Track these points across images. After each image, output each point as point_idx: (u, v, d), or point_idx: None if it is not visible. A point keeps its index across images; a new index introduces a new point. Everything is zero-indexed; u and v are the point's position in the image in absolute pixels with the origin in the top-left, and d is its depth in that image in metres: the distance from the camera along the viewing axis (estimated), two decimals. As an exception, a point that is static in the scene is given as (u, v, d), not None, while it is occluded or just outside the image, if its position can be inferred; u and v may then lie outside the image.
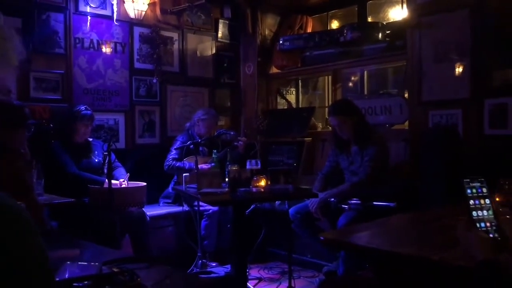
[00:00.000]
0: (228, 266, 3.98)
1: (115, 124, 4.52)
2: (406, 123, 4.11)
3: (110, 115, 4.48)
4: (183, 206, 4.15)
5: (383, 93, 4.66)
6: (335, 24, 5.41)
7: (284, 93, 5.60)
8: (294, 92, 5.65)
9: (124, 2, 4.47)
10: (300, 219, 3.69)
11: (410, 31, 3.93)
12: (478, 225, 1.36)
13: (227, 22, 5.38)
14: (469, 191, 1.40)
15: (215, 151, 3.91)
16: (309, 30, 5.29)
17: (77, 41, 4.24)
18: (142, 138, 4.72)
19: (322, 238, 1.75)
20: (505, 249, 1.28)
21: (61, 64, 4.13)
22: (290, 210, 3.74)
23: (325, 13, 5.41)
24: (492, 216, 1.36)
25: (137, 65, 4.66)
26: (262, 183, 3.11)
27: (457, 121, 3.61)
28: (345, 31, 4.57)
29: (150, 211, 4.03)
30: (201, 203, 3.95)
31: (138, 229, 3.69)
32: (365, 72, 4.94)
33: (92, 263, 1.17)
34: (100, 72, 4.40)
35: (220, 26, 5.33)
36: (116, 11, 4.42)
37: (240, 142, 4.33)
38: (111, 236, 3.34)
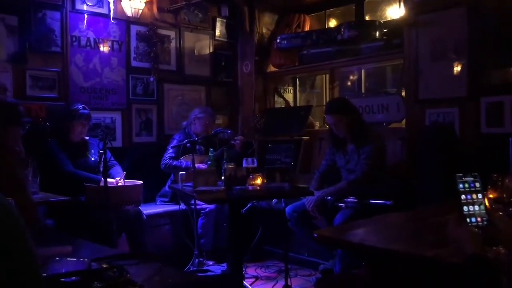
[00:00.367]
0: (225, 264, 3.98)
1: (112, 123, 4.51)
2: (404, 121, 4.11)
3: (107, 114, 4.47)
4: (180, 204, 4.14)
5: (381, 92, 4.66)
6: (332, 23, 5.40)
7: (281, 91, 5.59)
8: (291, 91, 5.65)
9: (121, 0, 4.46)
10: (297, 218, 3.68)
11: (407, 30, 3.92)
12: (468, 220, 1.36)
13: (225, 20, 5.38)
14: (461, 185, 1.40)
15: (211, 149, 3.90)
16: (306, 28, 5.29)
17: (74, 39, 4.23)
18: (139, 136, 4.71)
19: (315, 235, 1.75)
20: (495, 244, 1.28)
21: (57, 62, 4.12)
22: (287, 209, 3.73)
23: (322, 12, 5.40)
24: (484, 211, 1.36)
25: (134, 63, 4.65)
26: (258, 181, 3.10)
27: (454, 120, 3.60)
28: (343, 29, 4.56)
29: (147, 209, 4.03)
30: (198, 202, 3.95)
31: (135, 228, 3.69)
32: (363, 71, 4.93)
33: (81, 259, 1.17)
34: (97, 71, 4.40)
35: (218, 25, 5.32)
36: (113, 9, 4.41)
37: (237, 140, 4.32)
38: (107, 234, 3.34)
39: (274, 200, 4.21)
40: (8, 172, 1.97)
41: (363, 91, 4.92)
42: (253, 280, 3.94)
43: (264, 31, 5.39)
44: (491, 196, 1.56)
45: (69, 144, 3.76)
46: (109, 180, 3.47)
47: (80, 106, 3.80)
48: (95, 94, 4.38)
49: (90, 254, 1.52)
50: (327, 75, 5.13)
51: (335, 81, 5.01)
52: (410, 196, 3.37)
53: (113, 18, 4.44)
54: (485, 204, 1.46)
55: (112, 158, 3.92)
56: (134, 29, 4.65)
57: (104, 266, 1.13)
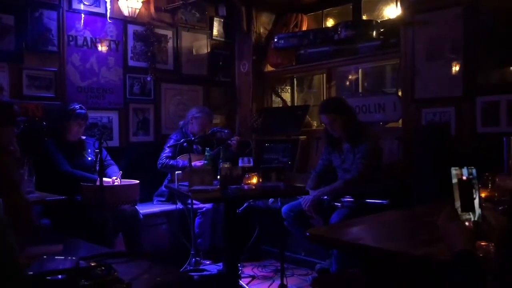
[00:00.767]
0: (222, 264, 3.98)
1: (109, 122, 4.51)
2: (400, 121, 4.11)
3: (103, 113, 4.47)
4: (176, 204, 4.14)
5: (378, 91, 4.66)
6: (330, 22, 5.41)
7: (279, 91, 5.59)
8: (289, 90, 5.65)
9: (117, 0, 4.46)
10: (293, 217, 3.68)
11: (404, 29, 3.92)
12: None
13: (222, 20, 5.38)
14: (455, 180, 1.41)
15: (207, 149, 3.90)
16: (304, 28, 5.28)
17: (71, 38, 4.23)
18: (136, 136, 4.71)
19: (307, 234, 1.75)
20: (487, 240, 1.29)
21: (54, 62, 4.12)
22: (283, 208, 3.74)
23: (320, 11, 5.41)
24: (477, 206, 1.37)
25: (131, 63, 4.65)
26: (254, 180, 3.10)
27: (450, 119, 3.61)
28: (340, 29, 4.56)
29: (144, 209, 4.03)
30: (195, 201, 3.95)
31: (131, 227, 3.69)
32: (360, 70, 4.93)
33: (69, 257, 1.17)
34: (94, 70, 4.40)
35: (215, 24, 5.32)
36: (110, 9, 4.40)
37: (233, 141, 4.32)
38: (104, 234, 3.34)
39: (270, 200, 4.21)
40: (2, 171, 1.97)
41: (360, 90, 4.92)
42: (249, 279, 3.94)
43: (261, 30, 5.40)
44: (482, 195, 1.56)
45: (65, 144, 3.76)
46: (105, 179, 3.47)
47: (77, 106, 3.80)
48: (92, 93, 4.38)
49: (81, 253, 1.52)
50: (325, 75, 5.13)
51: (332, 81, 5.02)
52: (406, 195, 3.37)
53: (110, 18, 4.44)
54: (479, 199, 1.47)
55: (109, 158, 3.92)
56: (131, 28, 4.65)
57: (92, 264, 1.14)
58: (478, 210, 1.46)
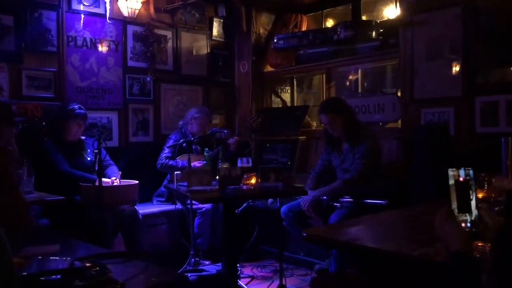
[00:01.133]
0: (221, 264, 3.98)
1: (109, 123, 4.51)
2: (400, 121, 4.11)
3: (103, 114, 4.48)
4: (176, 204, 4.15)
5: (377, 92, 4.66)
6: (330, 23, 5.41)
7: (279, 91, 5.59)
8: (289, 91, 5.65)
9: (117, 0, 4.46)
10: (293, 217, 3.69)
11: (403, 29, 3.92)
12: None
13: (222, 20, 5.38)
14: (452, 181, 1.41)
15: (207, 149, 3.90)
16: (303, 28, 5.29)
17: (70, 39, 4.24)
18: (136, 136, 4.71)
19: (304, 234, 1.75)
20: (483, 239, 1.29)
21: (53, 62, 4.13)
22: (282, 208, 3.74)
23: (319, 12, 5.41)
24: (474, 207, 1.37)
25: (130, 63, 4.66)
26: (253, 181, 3.10)
27: (449, 119, 3.61)
28: (339, 29, 4.56)
29: (143, 209, 4.03)
30: (194, 202, 3.95)
31: (131, 227, 3.69)
32: (360, 71, 4.93)
33: (64, 258, 1.17)
34: (93, 70, 4.40)
35: (215, 25, 5.32)
36: (109, 9, 4.41)
37: (231, 140, 4.32)
38: (103, 234, 3.34)
39: (270, 200, 4.22)
40: (1, 171, 1.97)
41: (360, 91, 4.92)
42: (249, 279, 3.94)
43: (261, 31, 5.40)
44: (479, 195, 1.56)
45: (65, 144, 3.76)
46: (104, 179, 3.48)
47: (76, 106, 3.80)
48: (91, 94, 4.38)
49: (78, 253, 1.53)
50: (324, 75, 5.14)
51: (332, 81, 5.02)
52: (405, 195, 3.37)
53: (109, 18, 4.44)
54: (476, 200, 1.47)
55: (108, 158, 3.92)
56: (130, 29, 4.65)
57: (87, 264, 1.14)
58: (474, 211, 1.46)
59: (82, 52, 4.32)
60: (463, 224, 1.44)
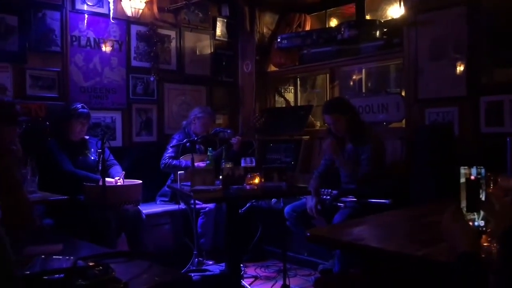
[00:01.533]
0: (224, 264, 3.97)
1: (112, 122, 4.52)
2: (404, 121, 4.09)
3: (107, 113, 4.48)
4: (179, 204, 4.14)
5: (381, 91, 4.64)
6: (333, 22, 5.40)
7: (282, 91, 5.58)
8: (292, 91, 5.64)
9: (121, 0, 4.46)
10: (296, 217, 3.68)
11: (407, 29, 3.91)
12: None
13: (225, 20, 5.38)
14: (463, 179, 1.40)
15: (210, 149, 3.90)
16: (307, 28, 5.28)
17: (74, 39, 4.24)
18: (139, 136, 4.72)
19: (308, 234, 1.74)
20: (489, 241, 1.28)
21: (57, 62, 4.13)
22: (286, 208, 3.73)
23: (323, 11, 5.40)
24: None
25: (134, 63, 4.66)
26: (256, 180, 3.10)
27: (453, 119, 3.59)
28: (343, 29, 4.55)
29: (147, 209, 4.03)
30: (197, 201, 3.95)
31: (134, 227, 3.68)
32: (363, 70, 4.92)
33: (67, 257, 1.17)
34: (97, 70, 4.41)
35: (218, 24, 5.32)
36: (113, 9, 4.42)
37: (234, 140, 4.32)
38: (106, 234, 3.34)
39: (273, 200, 4.21)
40: (4, 171, 1.97)
41: (363, 90, 4.90)
42: (252, 279, 3.93)
43: (264, 30, 5.39)
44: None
45: (68, 143, 3.77)
46: (108, 179, 3.48)
47: (79, 105, 3.81)
48: (95, 93, 4.38)
49: (81, 252, 1.52)
50: (328, 75, 5.12)
51: (336, 81, 5.00)
52: (409, 195, 3.36)
53: (113, 18, 4.45)
54: (487, 199, 1.46)
55: (112, 157, 3.92)
56: (134, 29, 4.66)
57: (90, 264, 1.14)
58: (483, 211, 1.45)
59: (85, 52, 4.33)
60: (470, 223, 1.43)
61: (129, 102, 4.62)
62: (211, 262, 4.13)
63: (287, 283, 3.48)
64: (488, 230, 1.44)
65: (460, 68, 3.58)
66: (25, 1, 3.94)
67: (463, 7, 3.55)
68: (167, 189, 4.39)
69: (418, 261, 1.40)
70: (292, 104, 5.56)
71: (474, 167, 1.44)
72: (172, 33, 4.96)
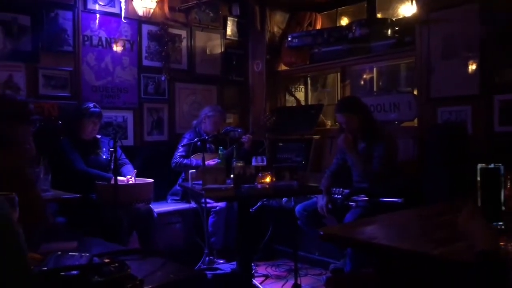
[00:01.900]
0: (235, 263, 3.97)
1: (124, 122, 4.54)
2: (416, 120, 4.06)
3: (118, 113, 4.50)
4: (190, 203, 4.15)
5: (393, 90, 4.62)
6: (344, 21, 5.38)
7: (293, 90, 5.57)
8: (303, 90, 5.63)
9: (132, 0, 4.49)
10: (307, 217, 3.67)
11: (419, 27, 3.88)
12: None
13: (236, 19, 5.38)
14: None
15: (221, 148, 3.90)
16: (318, 27, 5.27)
17: (86, 38, 4.27)
18: (151, 135, 4.74)
19: (321, 232, 1.74)
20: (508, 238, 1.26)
21: (69, 62, 4.16)
22: (297, 208, 3.73)
23: (334, 10, 5.38)
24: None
25: (145, 62, 4.68)
26: (267, 179, 3.09)
27: (466, 118, 3.55)
28: (354, 27, 4.53)
29: (158, 208, 4.04)
30: (208, 200, 3.96)
31: (145, 226, 3.70)
32: (375, 69, 4.89)
33: (83, 254, 1.17)
34: (109, 70, 4.43)
35: (229, 24, 5.33)
36: (125, 9, 4.44)
37: (245, 138, 4.32)
38: (118, 232, 3.36)
39: (284, 199, 4.20)
40: (17, 169, 1.99)
41: (375, 89, 4.88)
42: (263, 278, 3.93)
43: (275, 29, 5.39)
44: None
45: (80, 142, 3.79)
46: (120, 178, 3.50)
47: (91, 105, 3.83)
48: (107, 93, 4.41)
49: (96, 250, 1.53)
50: (339, 74, 5.11)
51: (347, 80, 4.98)
52: (421, 194, 3.33)
53: (124, 18, 4.47)
54: (505, 197, 1.44)
55: (123, 156, 3.94)
56: (145, 28, 4.67)
57: (106, 261, 1.14)
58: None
59: (97, 52, 4.35)
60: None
61: (140, 102, 4.64)
62: (222, 261, 4.14)
63: (299, 282, 3.47)
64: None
65: (473, 66, 3.54)
66: (38, 1, 3.97)
67: (476, 5, 3.51)
68: (178, 188, 4.41)
69: (434, 260, 1.38)
70: (303, 103, 5.55)
71: (492, 164, 1.43)
72: (183, 33, 4.97)
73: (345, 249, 3.51)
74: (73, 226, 3.33)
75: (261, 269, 4.15)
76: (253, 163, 3.35)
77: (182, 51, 4.96)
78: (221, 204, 4.13)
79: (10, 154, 1.93)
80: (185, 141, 4.33)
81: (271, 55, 5.33)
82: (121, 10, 4.43)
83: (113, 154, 3.27)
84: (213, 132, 4.39)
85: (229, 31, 5.33)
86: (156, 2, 4.57)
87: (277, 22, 5.41)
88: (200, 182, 3.27)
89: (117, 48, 4.48)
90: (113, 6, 4.43)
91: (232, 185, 3.12)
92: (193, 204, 4.15)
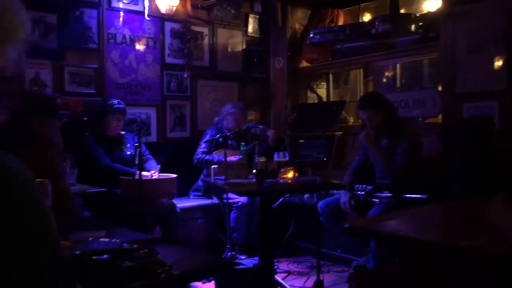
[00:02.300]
0: (257, 258, 3.98)
1: (147, 118, 4.59)
2: (440, 116, 4.01)
3: (142, 109, 4.56)
4: (212, 198, 4.18)
5: (416, 86, 4.56)
6: (367, 17, 5.33)
7: (314, 87, 5.55)
8: (324, 86, 5.60)
9: (155, -3, 4.54)
10: (330, 213, 3.66)
11: (443, 22, 3.82)
12: None
13: (257, 16, 5.38)
14: None
15: (243, 143, 3.92)
16: (340, 23, 5.24)
17: (110, 36, 4.34)
18: (173, 132, 4.78)
19: (346, 225, 1.73)
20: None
21: (94, 59, 4.23)
22: (319, 204, 3.71)
23: (356, 6, 5.34)
24: None
25: (168, 60, 4.72)
26: (290, 175, 3.09)
27: (493, 114, 3.49)
28: (377, 23, 4.49)
29: (181, 203, 4.08)
30: (230, 196, 3.98)
31: (168, 220, 3.74)
32: (398, 65, 4.84)
33: (114, 240, 1.20)
34: (132, 67, 4.49)
35: (250, 21, 5.33)
36: (148, 7, 4.48)
37: (269, 132, 4.33)
38: (142, 227, 3.40)
39: (306, 195, 4.19)
40: (47, 161, 2.03)
41: (398, 85, 4.83)
42: (285, 274, 3.93)
43: (296, 26, 5.38)
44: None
45: (105, 139, 3.85)
46: (144, 173, 3.54)
47: (115, 101, 3.89)
48: (130, 90, 4.47)
49: (123, 239, 1.55)
50: (361, 70, 5.07)
51: (369, 76, 4.94)
52: (446, 191, 3.29)
53: (148, 15, 4.52)
54: None
55: (147, 152, 3.99)
56: (168, 26, 4.72)
57: (135, 247, 1.16)
58: None
59: (121, 49, 4.41)
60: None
61: (163, 99, 4.69)
62: (243, 257, 4.15)
63: (321, 278, 3.46)
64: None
65: (499, 61, 3.48)
66: (64, 0, 4.05)
67: (502, -2, 3.45)
68: (200, 184, 4.44)
69: (462, 252, 1.35)
70: (324, 100, 5.53)
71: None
72: (205, 30, 5.00)
73: (368, 246, 3.49)
74: (98, 220, 3.38)
75: (283, 265, 4.15)
76: (275, 159, 3.35)
77: (204, 48, 4.99)
78: (243, 200, 4.14)
79: (39, 148, 1.97)
80: (207, 138, 4.36)
81: (293, 52, 5.32)
82: (144, 8, 4.48)
83: (138, 150, 3.31)
84: (234, 128, 4.41)
85: (250, 28, 5.34)
86: (179, -1, 4.62)
87: (298, 18, 5.40)
88: (223, 177, 3.29)
89: (141, 45, 4.53)
90: (137, 4, 4.48)
91: (254, 180, 3.13)
92: (215, 200, 4.18)
